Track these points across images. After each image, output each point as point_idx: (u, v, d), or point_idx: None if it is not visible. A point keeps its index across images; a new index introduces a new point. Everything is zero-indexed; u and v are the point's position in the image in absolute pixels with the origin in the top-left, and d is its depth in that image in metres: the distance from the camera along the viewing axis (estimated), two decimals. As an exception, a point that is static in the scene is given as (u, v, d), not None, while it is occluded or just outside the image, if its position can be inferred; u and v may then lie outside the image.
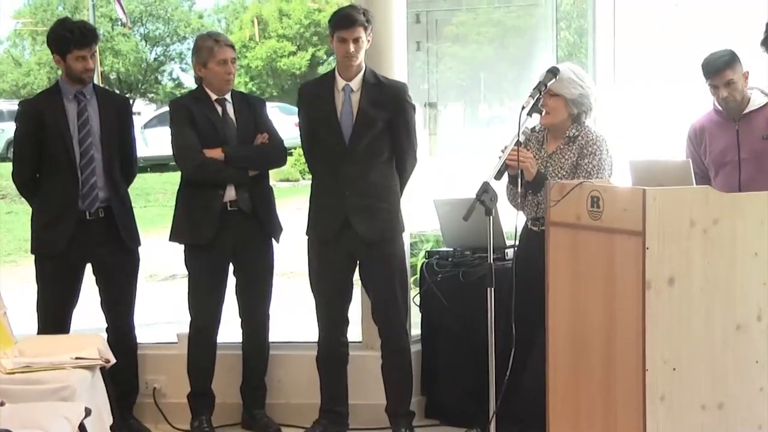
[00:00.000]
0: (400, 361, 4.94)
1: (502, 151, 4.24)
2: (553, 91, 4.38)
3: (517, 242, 4.56)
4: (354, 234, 4.71)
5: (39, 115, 4.93)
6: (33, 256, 5.09)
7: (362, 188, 4.70)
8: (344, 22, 4.64)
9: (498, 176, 4.20)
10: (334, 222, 4.73)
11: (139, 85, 29.01)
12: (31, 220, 5.02)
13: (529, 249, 4.49)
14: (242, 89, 27.04)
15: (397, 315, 4.87)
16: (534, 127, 4.59)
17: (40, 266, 5.02)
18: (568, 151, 4.49)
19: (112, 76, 28.34)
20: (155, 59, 29.20)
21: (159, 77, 29.26)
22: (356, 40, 4.64)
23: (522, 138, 4.27)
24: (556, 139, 4.56)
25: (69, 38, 4.87)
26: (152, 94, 28.44)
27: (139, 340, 5.30)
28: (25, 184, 5.03)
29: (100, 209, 4.93)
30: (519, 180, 4.32)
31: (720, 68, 4.65)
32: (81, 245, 4.91)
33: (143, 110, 27.95)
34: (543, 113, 4.31)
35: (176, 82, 27.74)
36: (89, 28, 4.99)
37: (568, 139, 4.50)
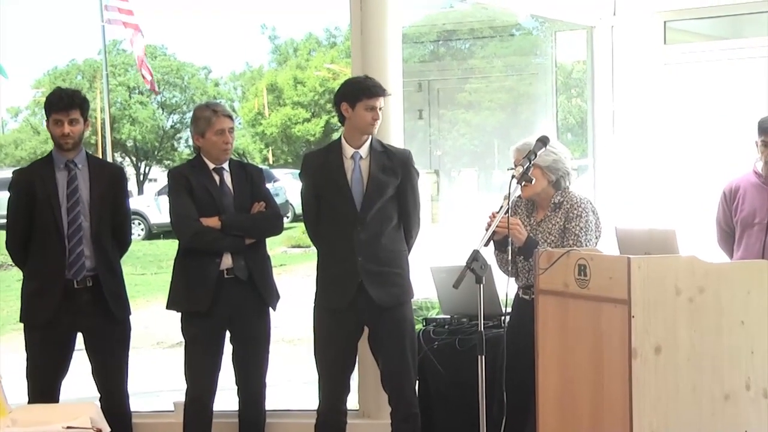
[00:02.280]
0: (411, 428, 4.88)
1: (490, 218, 4.27)
2: None
3: (510, 311, 4.58)
4: (368, 300, 4.70)
5: (29, 184, 4.98)
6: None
7: (375, 254, 4.71)
8: (377, 90, 4.71)
9: (486, 243, 4.23)
10: (349, 289, 4.72)
11: (156, 152, 29.29)
12: (21, 288, 5.05)
13: (520, 318, 4.51)
14: (257, 156, 27.41)
15: (408, 381, 4.85)
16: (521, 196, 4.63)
17: (29, 335, 5.02)
18: (555, 217, 4.53)
19: (129, 143, 28.67)
20: (172, 126, 29.54)
21: (175, 144, 29.57)
22: (380, 108, 4.73)
23: (505, 206, 4.32)
24: (543, 208, 4.61)
25: (49, 101, 4.97)
26: (168, 161, 28.67)
27: (138, 409, 5.28)
28: (17, 252, 5.06)
29: (88, 278, 4.95)
30: (509, 247, 4.35)
31: None
32: (68, 314, 4.92)
33: (159, 177, 28.20)
34: (523, 184, 4.33)
35: (192, 149, 28.02)
36: (68, 93, 5.01)
37: (554, 205, 4.55)
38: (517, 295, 4.67)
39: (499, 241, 4.44)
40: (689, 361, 3.74)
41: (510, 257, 4.41)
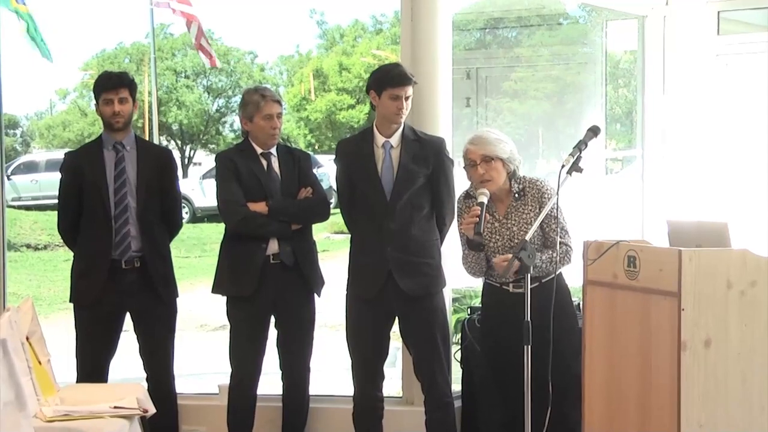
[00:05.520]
0: (444, 417, 4.89)
1: (473, 210, 4.37)
2: (489, 155, 4.43)
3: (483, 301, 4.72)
4: (396, 289, 4.71)
5: (79, 166, 5.06)
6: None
7: (404, 243, 4.71)
8: (400, 80, 4.68)
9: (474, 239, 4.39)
10: (378, 278, 4.73)
11: (201, 136, 29.44)
12: (71, 268, 5.11)
13: (501, 308, 4.59)
14: (301, 141, 27.43)
15: (441, 370, 4.85)
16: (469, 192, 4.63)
17: (78, 315, 5.09)
18: (523, 204, 4.50)
19: (175, 126, 28.83)
20: (217, 110, 29.65)
21: (220, 128, 29.69)
22: (407, 98, 4.69)
23: (485, 200, 4.37)
24: (503, 201, 4.56)
25: (98, 83, 5.05)
26: (213, 145, 28.82)
27: (182, 391, 5.33)
28: (67, 233, 5.14)
29: (135, 259, 5.00)
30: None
31: None
32: (116, 294, 4.98)
33: (204, 161, 28.34)
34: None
35: (237, 133, 28.11)
36: (117, 74, 5.10)
37: (518, 194, 4.53)
38: (494, 285, 4.62)
39: (477, 242, 4.45)
40: (739, 356, 3.71)
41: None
